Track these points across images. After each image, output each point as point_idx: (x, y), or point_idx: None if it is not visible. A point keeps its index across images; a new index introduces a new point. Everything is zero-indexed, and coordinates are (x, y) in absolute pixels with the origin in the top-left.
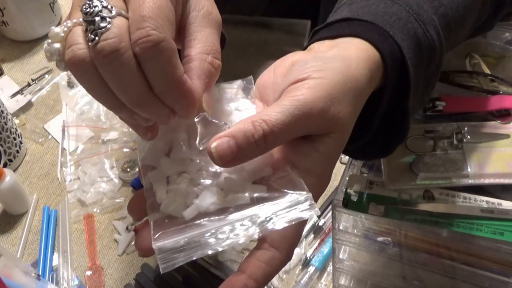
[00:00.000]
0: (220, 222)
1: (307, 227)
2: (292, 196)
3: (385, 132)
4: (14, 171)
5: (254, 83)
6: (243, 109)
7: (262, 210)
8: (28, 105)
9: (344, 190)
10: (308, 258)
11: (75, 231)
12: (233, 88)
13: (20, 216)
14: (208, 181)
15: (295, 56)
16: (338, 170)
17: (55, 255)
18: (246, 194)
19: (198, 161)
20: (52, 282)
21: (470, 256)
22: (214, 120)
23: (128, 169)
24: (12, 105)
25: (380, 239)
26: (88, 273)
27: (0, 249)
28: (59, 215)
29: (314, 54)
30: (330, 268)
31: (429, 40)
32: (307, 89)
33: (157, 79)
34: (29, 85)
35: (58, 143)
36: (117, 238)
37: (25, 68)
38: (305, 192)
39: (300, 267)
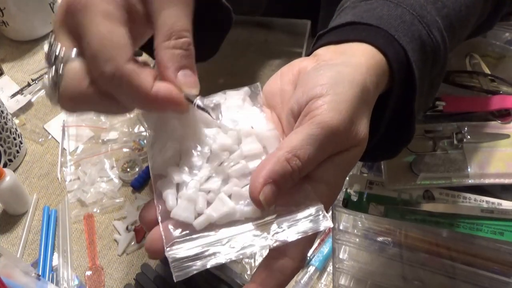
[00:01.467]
0: (233, 232)
1: None
2: (304, 207)
3: (391, 134)
4: (14, 171)
5: (261, 89)
6: (251, 116)
7: (273, 222)
8: (28, 105)
9: (344, 190)
10: (308, 258)
11: (75, 231)
12: (240, 94)
13: (20, 216)
14: (218, 188)
15: (302, 63)
16: None
17: (55, 255)
18: (256, 208)
19: (207, 168)
20: (52, 282)
21: (470, 256)
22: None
23: (128, 169)
24: (12, 105)
25: (380, 239)
26: (88, 273)
27: (0, 249)
28: (59, 215)
29: (323, 61)
30: (330, 268)
31: (433, 42)
32: (330, 111)
33: (128, 100)
34: (29, 85)
35: (58, 143)
36: (117, 238)
37: (25, 68)
38: (317, 204)
39: None
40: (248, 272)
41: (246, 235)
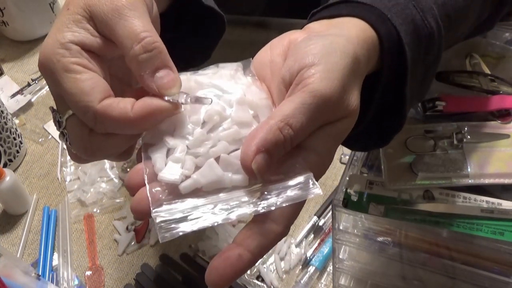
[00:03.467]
0: (220, 198)
1: (307, 227)
2: (293, 176)
3: (383, 120)
4: (14, 171)
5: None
6: (244, 86)
7: (262, 190)
8: (28, 105)
9: (344, 190)
10: (308, 258)
11: (75, 231)
12: (233, 66)
13: (20, 216)
14: (207, 152)
15: (293, 35)
16: (338, 170)
17: (55, 255)
18: (244, 176)
19: (198, 133)
20: (52, 282)
21: (470, 256)
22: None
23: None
24: (12, 105)
25: (380, 239)
26: (88, 273)
27: (0, 249)
28: (59, 215)
29: (314, 32)
30: (330, 268)
31: (427, 28)
32: (323, 80)
33: (119, 130)
34: (29, 85)
35: (58, 143)
36: (117, 238)
37: (25, 68)
38: (306, 173)
39: (300, 267)
40: (248, 272)
41: (234, 201)
